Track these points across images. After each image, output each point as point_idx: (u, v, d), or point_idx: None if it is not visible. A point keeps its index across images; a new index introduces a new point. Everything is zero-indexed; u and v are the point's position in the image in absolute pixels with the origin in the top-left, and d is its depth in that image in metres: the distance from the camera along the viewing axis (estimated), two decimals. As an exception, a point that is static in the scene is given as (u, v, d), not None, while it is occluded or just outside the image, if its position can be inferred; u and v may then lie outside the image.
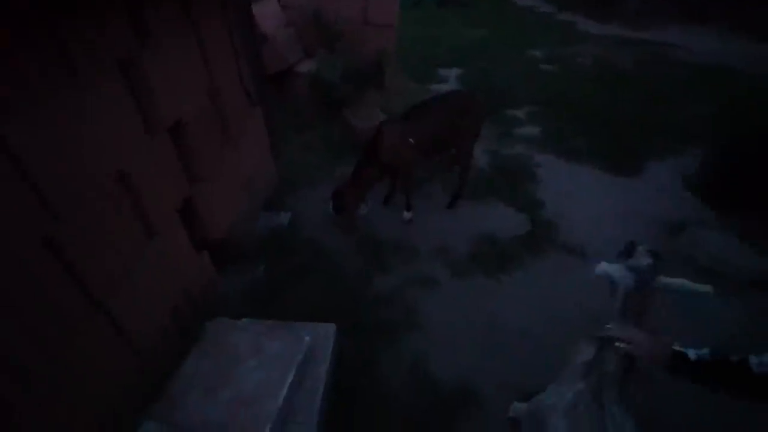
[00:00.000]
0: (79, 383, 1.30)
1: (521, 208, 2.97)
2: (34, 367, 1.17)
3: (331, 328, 1.82)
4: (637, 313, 1.22)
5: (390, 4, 4.11)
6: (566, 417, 1.18)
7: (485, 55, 5.92)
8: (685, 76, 5.19)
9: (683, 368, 0.98)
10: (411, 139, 2.53)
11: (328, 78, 3.86)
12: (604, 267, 1.28)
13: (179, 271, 1.84)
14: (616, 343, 1.15)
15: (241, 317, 1.85)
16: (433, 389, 1.87)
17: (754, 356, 0.92)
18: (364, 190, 2.65)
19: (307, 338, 1.69)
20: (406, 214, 2.84)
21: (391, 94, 4.07)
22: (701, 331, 2.14)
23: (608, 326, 1.21)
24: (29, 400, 1.15)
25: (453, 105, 2.64)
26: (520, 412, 1.74)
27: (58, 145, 1.23)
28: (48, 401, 1.20)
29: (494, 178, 3.27)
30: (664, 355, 1.02)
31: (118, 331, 1.47)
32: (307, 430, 1.50)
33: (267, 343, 1.67)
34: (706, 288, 1.17)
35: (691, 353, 0.97)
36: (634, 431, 1.09)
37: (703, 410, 1.77)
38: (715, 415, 1.76)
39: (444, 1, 9.33)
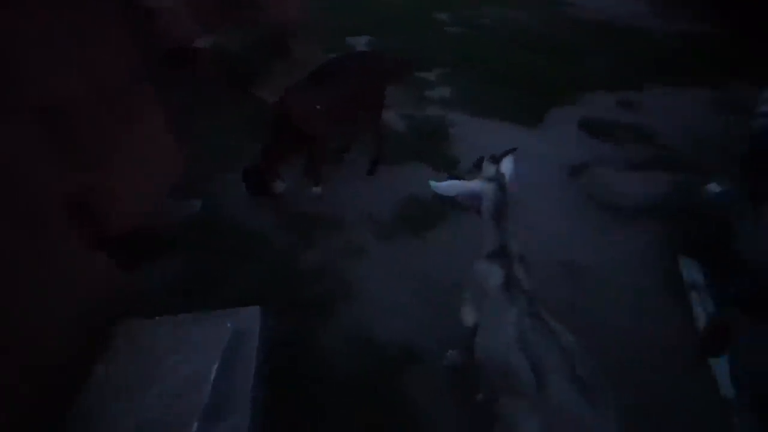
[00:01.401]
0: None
1: (440, 167, 3.03)
2: None
3: (255, 311, 1.74)
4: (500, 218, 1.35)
5: (292, -29, 3.88)
6: (521, 348, 1.14)
7: (393, 21, 5.87)
8: (584, 33, 5.54)
9: None
10: (318, 106, 2.44)
11: (231, 52, 3.59)
12: (446, 186, 1.39)
13: (76, 275, 1.64)
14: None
15: (162, 314, 1.72)
16: (375, 354, 1.88)
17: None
18: (276, 166, 2.53)
19: (229, 325, 1.60)
20: (315, 190, 2.73)
21: (302, 65, 3.89)
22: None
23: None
24: None
25: (358, 65, 2.57)
26: (454, 359, 1.82)
27: None
28: None
29: (412, 140, 3.29)
30: None
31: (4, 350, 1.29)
32: (241, 417, 1.44)
33: (187, 336, 1.56)
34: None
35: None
36: (569, 336, 1.16)
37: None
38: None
39: (347, -32, 9.02)
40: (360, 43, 5.19)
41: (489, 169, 1.42)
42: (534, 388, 1.07)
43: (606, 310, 2.10)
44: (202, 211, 2.57)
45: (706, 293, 2.14)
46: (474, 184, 1.41)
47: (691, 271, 2.25)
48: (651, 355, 1.90)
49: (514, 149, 1.50)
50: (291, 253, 2.35)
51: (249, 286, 2.04)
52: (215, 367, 1.46)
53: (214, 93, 3.59)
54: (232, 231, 2.45)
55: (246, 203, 2.63)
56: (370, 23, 5.75)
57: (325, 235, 2.50)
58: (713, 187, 2.18)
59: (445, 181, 1.46)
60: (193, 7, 3.78)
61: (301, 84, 2.51)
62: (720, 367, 1.80)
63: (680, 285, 2.20)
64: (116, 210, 1.92)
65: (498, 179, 1.39)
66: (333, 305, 2.07)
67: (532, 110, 3.68)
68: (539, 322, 1.18)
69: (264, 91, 3.44)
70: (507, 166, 1.46)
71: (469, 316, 1.46)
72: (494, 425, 1.24)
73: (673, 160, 2.92)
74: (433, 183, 1.40)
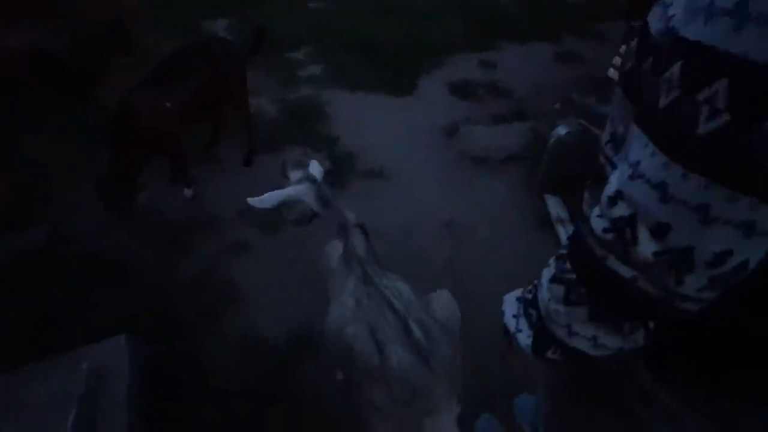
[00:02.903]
0: None
1: (319, 147, 2.93)
2: None
3: (120, 340, 1.50)
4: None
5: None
6: (358, 319, 1.17)
7: (252, 1, 5.49)
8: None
9: None
10: (168, 104, 2.16)
11: (52, 52, 2.99)
12: (266, 198, 1.41)
13: None
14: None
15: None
16: (266, 355, 1.77)
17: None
18: (131, 176, 2.21)
19: (85, 365, 1.36)
20: (187, 192, 2.48)
21: (149, 60, 3.42)
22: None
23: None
24: None
25: (206, 53, 2.33)
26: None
27: None
28: None
29: (287, 124, 3.14)
30: None
31: None
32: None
33: (25, 394, 1.28)
34: None
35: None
36: (401, 287, 1.24)
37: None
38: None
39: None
40: (219, 27, 4.77)
41: (296, 173, 1.50)
42: (375, 358, 1.09)
43: (487, 260, 2.23)
44: (46, 241, 2.16)
45: (571, 226, 2.39)
46: (291, 190, 1.45)
47: (555, 207, 2.49)
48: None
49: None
50: (163, 268, 2.09)
51: (114, 316, 1.76)
52: (70, 422, 1.22)
53: (40, 101, 2.99)
54: (88, 258, 2.10)
55: (101, 223, 2.27)
56: (225, 4, 5.32)
57: (203, 239, 2.27)
58: (561, 130, 2.41)
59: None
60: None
61: (144, 81, 2.19)
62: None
63: (548, 221, 2.43)
64: None
65: (309, 178, 1.47)
66: (216, 313, 1.90)
67: (404, 78, 3.73)
68: (374, 289, 1.20)
69: (104, 93, 2.94)
70: (315, 168, 1.55)
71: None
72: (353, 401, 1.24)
73: (528, 110, 3.19)
74: (250, 200, 1.42)
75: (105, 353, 1.45)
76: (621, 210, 0.48)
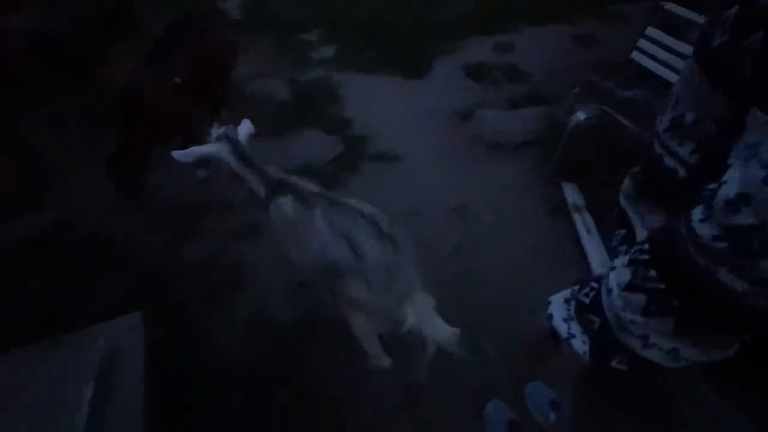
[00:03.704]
0: None
1: (330, 130, 2.90)
2: None
3: (135, 318, 1.51)
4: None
5: None
6: (336, 235, 1.33)
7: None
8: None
9: None
10: (176, 78, 2.13)
11: (54, 35, 2.96)
12: (184, 152, 1.49)
13: None
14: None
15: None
16: (273, 336, 1.77)
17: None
18: (141, 156, 2.19)
19: (101, 340, 1.37)
20: (200, 173, 2.43)
21: (151, 41, 3.38)
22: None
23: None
24: None
25: (201, 25, 2.30)
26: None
27: None
28: None
29: (299, 106, 3.10)
30: None
31: None
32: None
33: (43, 367, 1.30)
34: None
35: None
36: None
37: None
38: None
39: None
40: (230, 6, 4.70)
41: (218, 132, 1.55)
42: (356, 264, 1.28)
43: (496, 246, 2.19)
44: (52, 225, 2.17)
45: (588, 214, 2.34)
46: (208, 147, 1.52)
47: (572, 194, 2.44)
48: (538, 275, 2.04)
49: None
50: (172, 251, 2.10)
51: (124, 300, 1.77)
52: (89, 391, 1.24)
53: (42, 85, 2.96)
54: (97, 240, 2.10)
55: (107, 205, 2.27)
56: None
57: (212, 222, 2.27)
58: (579, 115, 2.35)
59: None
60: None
61: (148, 60, 2.16)
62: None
63: (564, 208, 2.38)
64: None
65: (227, 136, 1.53)
66: (224, 295, 1.91)
67: (417, 61, 3.65)
68: (342, 207, 1.39)
69: (109, 76, 2.90)
70: (242, 129, 1.61)
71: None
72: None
73: (544, 95, 3.11)
74: (173, 153, 1.51)
75: (120, 331, 1.47)
76: (745, 218, 0.41)
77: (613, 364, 0.58)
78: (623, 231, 0.69)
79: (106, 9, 3.22)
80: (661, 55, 2.18)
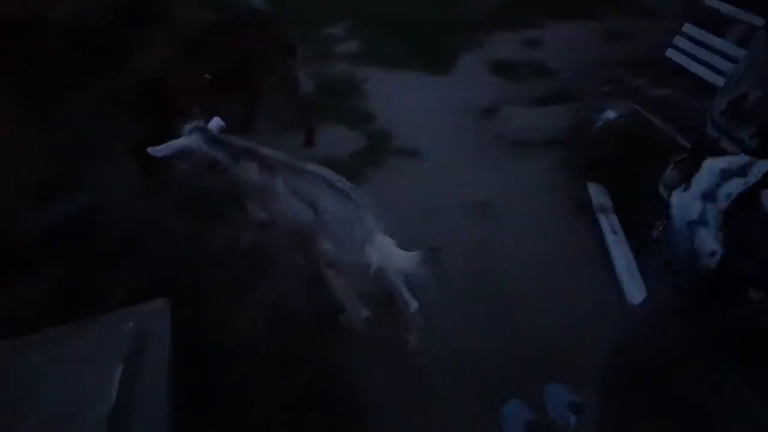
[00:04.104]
0: None
1: (354, 124, 2.91)
2: None
3: (161, 303, 1.55)
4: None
5: None
6: (301, 200, 1.50)
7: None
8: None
9: None
10: (207, 74, 2.17)
11: (90, 23, 3.04)
12: (162, 147, 1.60)
13: None
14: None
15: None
16: (294, 325, 1.80)
17: None
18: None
19: (130, 323, 1.41)
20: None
21: (184, 31, 3.44)
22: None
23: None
24: None
25: (243, 26, 2.32)
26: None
27: None
28: None
29: (323, 99, 3.12)
30: None
31: None
32: (158, 425, 1.28)
33: (75, 347, 1.34)
34: None
35: None
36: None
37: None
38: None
39: None
40: (256, 1, 4.74)
41: (189, 127, 1.67)
42: (319, 223, 1.46)
43: (519, 244, 2.16)
44: (83, 209, 2.24)
45: (614, 214, 2.29)
46: (182, 140, 1.63)
47: (598, 194, 2.39)
48: (561, 276, 2.00)
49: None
50: (196, 237, 2.14)
51: (150, 284, 1.83)
52: (117, 376, 1.28)
53: (79, 72, 3.06)
54: (127, 224, 2.17)
55: (137, 190, 2.33)
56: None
57: (236, 209, 2.29)
58: (609, 113, 2.29)
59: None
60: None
61: (182, 53, 2.20)
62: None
63: (588, 208, 2.33)
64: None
65: (198, 128, 1.65)
66: (247, 282, 1.94)
67: (442, 56, 3.63)
68: (302, 172, 1.53)
69: (139, 65, 2.97)
70: (214, 123, 1.73)
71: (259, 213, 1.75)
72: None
73: (571, 92, 3.05)
74: (150, 149, 1.59)
75: (147, 315, 1.50)
76: None
77: None
78: (664, 222, 0.67)
79: (139, 1, 3.29)
80: (699, 52, 2.11)
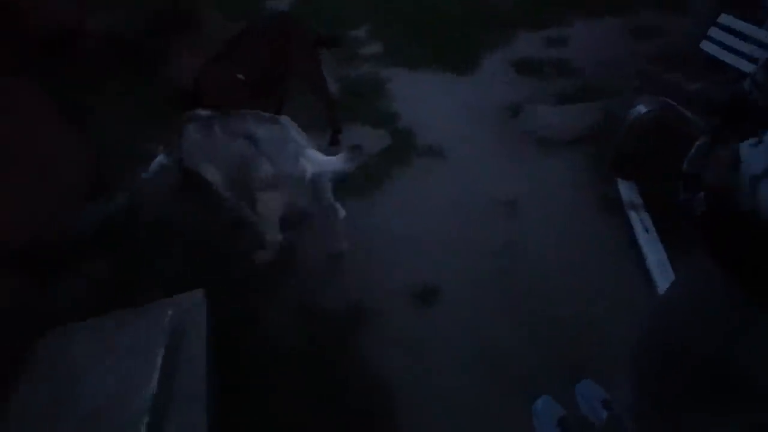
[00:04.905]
0: None
1: (378, 124, 2.94)
2: None
3: (198, 294, 1.61)
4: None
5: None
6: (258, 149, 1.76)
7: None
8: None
9: None
10: (240, 75, 2.24)
11: (126, 34, 3.19)
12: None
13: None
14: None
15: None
16: (323, 321, 1.83)
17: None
18: None
19: (169, 313, 1.47)
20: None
21: (214, 38, 3.55)
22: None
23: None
24: None
25: (272, 29, 2.39)
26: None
27: None
28: None
29: (348, 101, 3.16)
30: None
31: None
32: (195, 416, 1.33)
33: (119, 336, 1.41)
34: None
35: None
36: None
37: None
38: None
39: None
40: (281, 6, 4.86)
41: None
42: (255, 149, 1.72)
43: (547, 243, 2.13)
44: (126, 208, 2.34)
45: (644, 211, 2.23)
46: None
47: (628, 191, 2.34)
48: (590, 273, 1.97)
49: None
50: (225, 233, 2.21)
51: (186, 277, 1.90)
52: (158, 364, 1.34)
53: (113, 81, 3.21)
54: (161, 223, 2.26)
55: (173, 191, 2.42)
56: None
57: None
58: (640, 108, 2.24)
59: None
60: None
61: (216, 56, 2.29)
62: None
63: (617, 205, 2.29)
64: (9, 221, 1.68)
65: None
66: (276, 278, 1.99)
67: (465, 55, 3.62)
68: (233, 116, 1.81)
69: (172, 72, 3.10)
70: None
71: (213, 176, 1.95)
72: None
73: (599, 90, 2.99)
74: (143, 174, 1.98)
75: (185, 305, 1.56)
76: None
77: None
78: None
79: (170, 9, 3.43)
80: (735, 43, 2.05)
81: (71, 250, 1.95)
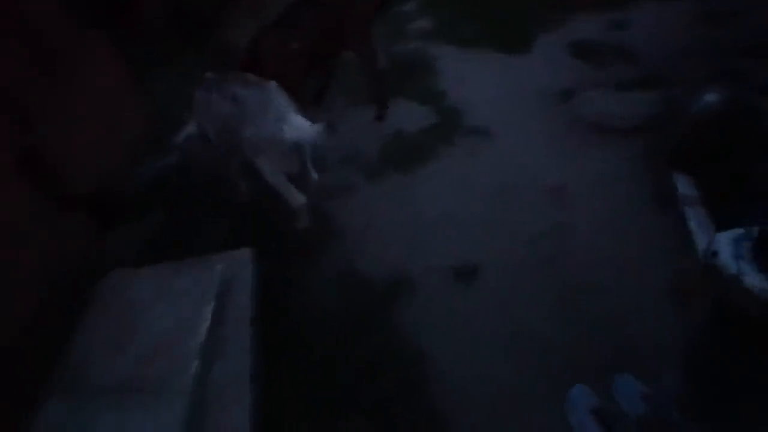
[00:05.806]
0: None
1: (424, 101, 2.90)
2: None
3: (246, 253, 1.68)
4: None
5: None
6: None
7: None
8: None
9: None
10: (295, 45, 2.26)
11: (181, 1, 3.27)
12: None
13: (41, 236, 1.53)
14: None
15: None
16: (364, 290, 1.86)
17: None
18: None
19: (219, 267, 1.54)
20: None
21: (266, 3, 3.58)
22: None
23: None
24: None
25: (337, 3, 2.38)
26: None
27: None
28: None
29: (394, 75, 3.13)
30: None
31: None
32: (240, 362, 1.40)
33: (174, 283, 1.49)
34: None
35: None
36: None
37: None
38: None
39: None
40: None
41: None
42: (241, 112, 1.86)
43: (594, 232, 2.07)
44: (179, 165, 2.44)
45: (701, 208, 2.12)
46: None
47: (685, 185, 2.22)
48: (638, 266, 1.90)
49: None
50: (273, 197, 2.26)
51: (232, 236, 1.97)
52: (208, 313, 1.41)
53: (174, 41, 3.30)
54: (210, 182, 2.34)
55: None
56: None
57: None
58: (708, 98, 2.10)
59: None
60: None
61: (273, 23, 2.31)
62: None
63: (672, 200, 2.18)
64: (75, 169, 1.78)
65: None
66: (319, 245, 2.03)
67: (518, 36, 3.50)
68: (224, 81, 1.97)
69: (228, 34, 3.16)
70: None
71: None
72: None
73: (662, 77, 2.82)
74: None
75: (234, 260, 1.63)
76: None
77: None
78: None
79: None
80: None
81: (131, 201, 2.06)
